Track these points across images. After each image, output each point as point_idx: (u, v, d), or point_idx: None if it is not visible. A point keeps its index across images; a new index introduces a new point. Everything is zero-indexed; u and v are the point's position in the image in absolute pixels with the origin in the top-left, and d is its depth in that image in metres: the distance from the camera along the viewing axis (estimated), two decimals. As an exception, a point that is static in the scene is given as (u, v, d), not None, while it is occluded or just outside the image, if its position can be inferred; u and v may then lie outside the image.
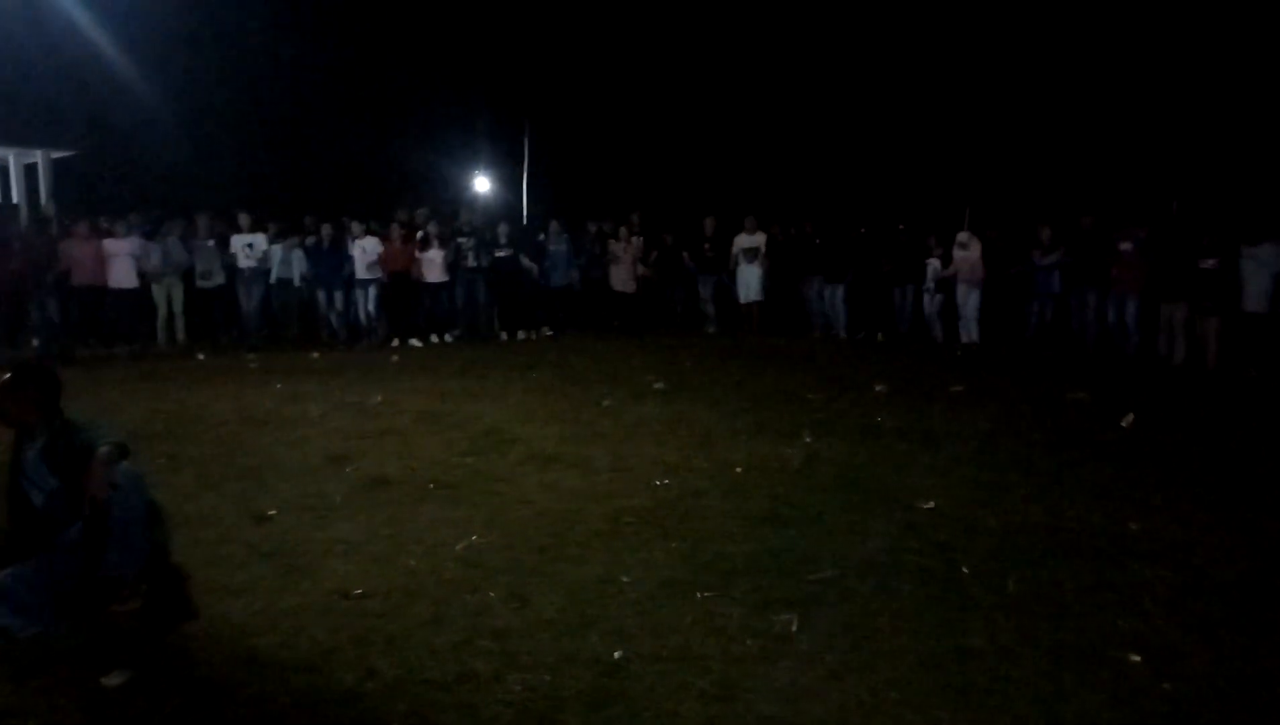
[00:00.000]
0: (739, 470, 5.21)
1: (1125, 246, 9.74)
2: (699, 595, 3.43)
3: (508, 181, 23.86)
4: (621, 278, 12.36)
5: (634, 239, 12.55)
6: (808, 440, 5.96)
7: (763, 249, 12.26)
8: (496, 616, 3.24)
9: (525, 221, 14.02)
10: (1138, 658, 2.91)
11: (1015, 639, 3.06)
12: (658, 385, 7.99)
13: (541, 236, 12.29)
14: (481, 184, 24.17)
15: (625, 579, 3.59)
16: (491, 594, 3.43)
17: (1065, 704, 2.66)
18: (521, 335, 11.87)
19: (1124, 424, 6.38)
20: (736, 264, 12.41)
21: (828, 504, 4.57)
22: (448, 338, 11.47)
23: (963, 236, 10.97)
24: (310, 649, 3.00)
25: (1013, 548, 3.93)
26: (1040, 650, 2.98)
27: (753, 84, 20.67)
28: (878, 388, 7.91)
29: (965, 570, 3.68)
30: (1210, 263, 8.96)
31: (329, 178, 19.49)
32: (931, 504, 4.56)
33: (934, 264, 11.25)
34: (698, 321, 12.94)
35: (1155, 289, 9.46)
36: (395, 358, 9.99)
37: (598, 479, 5.05)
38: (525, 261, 11.92)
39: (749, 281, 12.32)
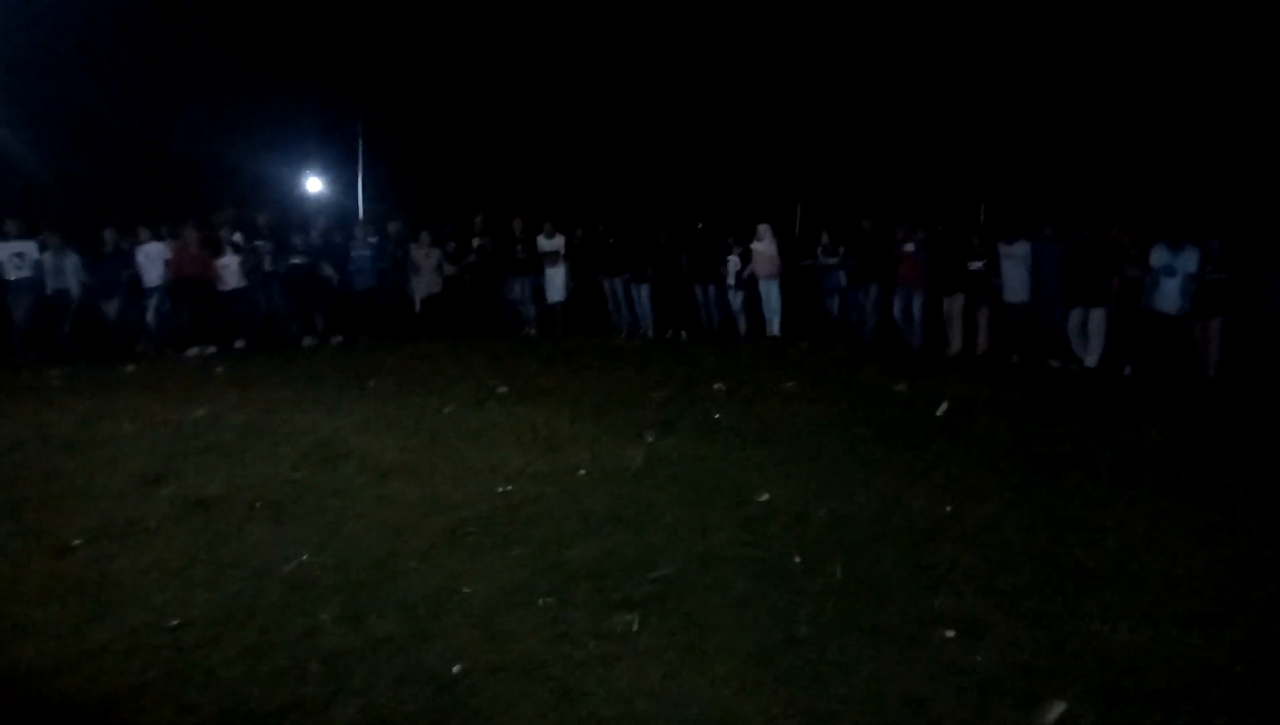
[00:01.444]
0: (582, 473, 5.22)
1: (908, 247, 10.63)
2: (541, 602, 3.41)
3: (342, 182, 22.97)
4: (424, 282, 12.10)
5: (449, 244, 12.36)
6: (650, 440, 6.05)
7: (562, 251, 12.45)
8: (328, 639, 3.11)
9: (360, 223, 13.36)
10: (952, 633, 3.12)
11: (841, 624, 3.22)
12: (500, 389, 7.89)
13: (343, 240, 11.89)
14: (313, 184, 23.16)
15: (465, 590, 3.52)
16: (323, 615, 3.29)
17: (888, 684, 2.82)
18: (308, 341, 11.38)
19: (939, 413, 6.84)
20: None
21: (669, 502, 4.65)
22: (237, 344, 10.93)
23: (761, 230, 11.53)
24: (118, 688, 2.78)
25: (840, 536, 4.13)
26: (864, 633, 3.14)
27: (561, 87, 20.55)
28: (716, 386, 8.12)
29: (797, 560, 3.83)
30: (978, 264, 10.05)
31: (141, 179, 18.08)
32: (766, 497, 4.72)
33: (734, 261, 11.76)
34: (520, 324, 12.78)
35: (936, 285, 10.48)
36: (220, 369, 9.41)
37: (438, 488, 4.94)
38: (325, 267, 11.48)
39: (553, 283, 12.49)
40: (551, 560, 3.83)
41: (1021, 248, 9.81)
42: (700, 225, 12.40)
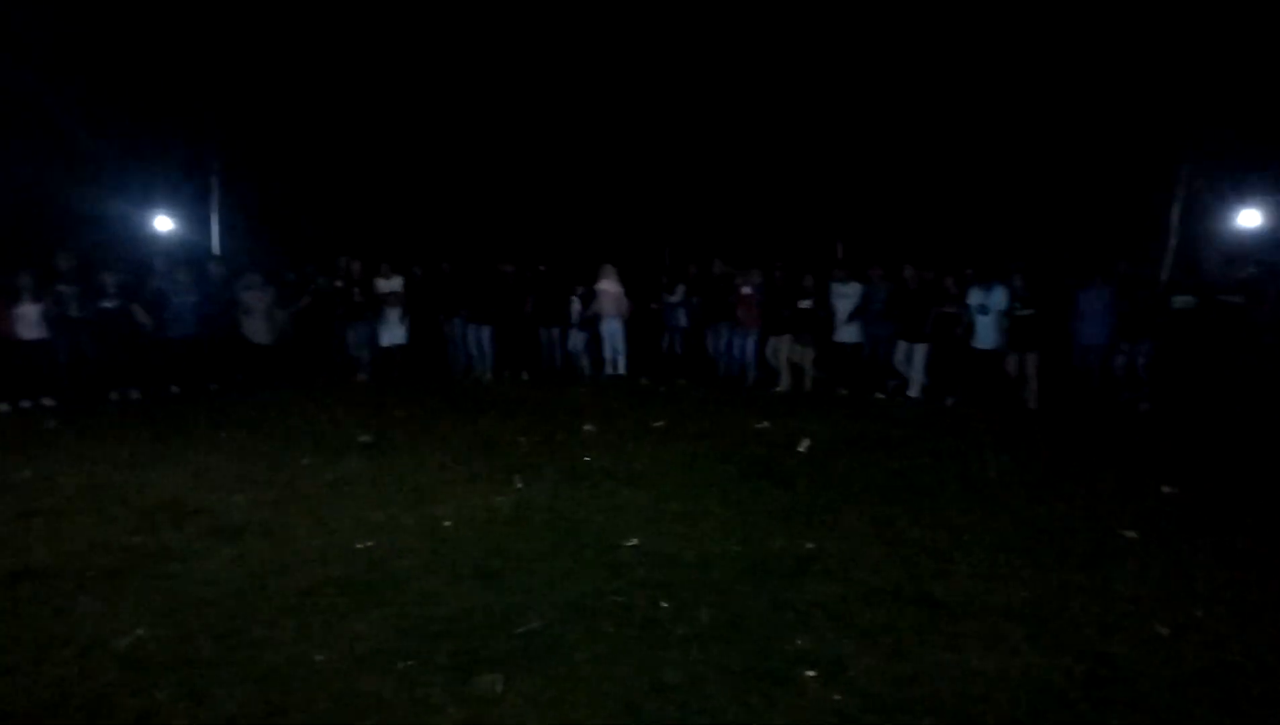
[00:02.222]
0: (448, 524, 5.09)
1: (745, 290, 11.15)
2: (400, 665, 3.28)
3: (195, 222, 21.83)
4: (256, 328, 11.26)
5: (279, 287, 11.64)
6: (519, 486, 5.96)
7: (400, 292, 11.98)
8: (164, 721, 2.88)
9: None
10: (812, 673, 3.18)
11: (707, 668, 3.23)
12: (363, 438, 7.63)
13: (160, 284, 10.80)
14: (163, 223, 21.93)
15: (319, 657, 3.35)
16: (159, 695, 3.05)
17: (754, 723, 2.84)
18: (115, 396, 10.23)
19: (801, 449, 7.04)
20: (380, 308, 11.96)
21: (537, 551, 4.58)
22: (45, 402, 9.99)
23: (605, 270, 11.85)
24: (-86, 796, 2.49)
25: (707, 578, 4.16)
26: (730, 677, 3.17)
27: (407, 125, 20.15)
28: (587, 427, 8.12)
29: (664, 605, 3.84)
30: (807, 302, 10.62)
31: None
32: (635, 542, 4.72)
33: (577, 302, 12.01)
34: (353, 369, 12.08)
35: (768, 325, 11.03)
36: (52, 423, 8.71)
37: (293, 547, 4.70)
38: (138, 312, 10.48)
39: (389, 325, 11.90)
40: (413, 620, 3.70)
41: (853, 288, 10.52)
42: (542, 267, 12.47)
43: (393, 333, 11.90)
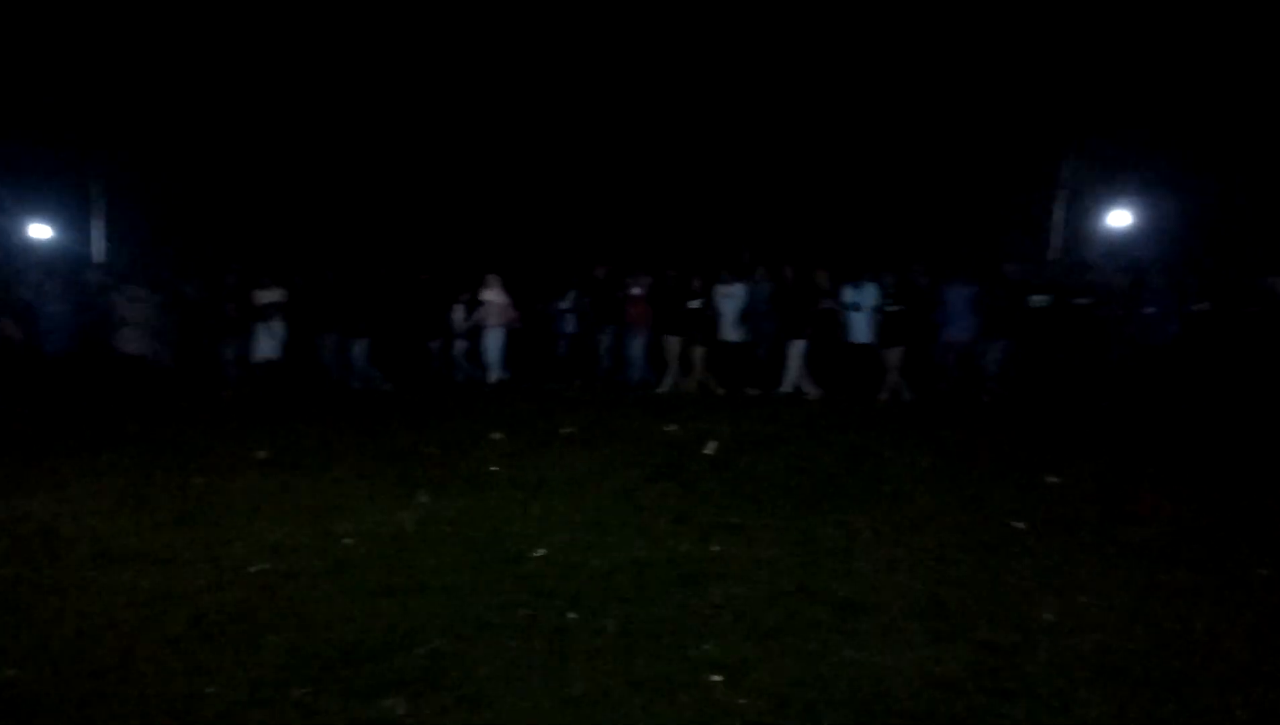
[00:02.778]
0: (349, 542, 4.94)
1: (635, 291, 11.47)
2: (296, 693, 3.17)
3: (76, 229, 20.67)
4: (132, 338, 10.64)
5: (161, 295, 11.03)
6: (424, 500, 5.84)
7: (280, 302, 11.41)
8: (37, 769, 2.71)
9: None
10: (718, 677, 3.21)
11: (614, 679, 3.22)
12: (260, 454, 7.35)
13: (25, 294, 10.19)
14: (39, 231, 20.70)
15: (209, 690, 3.20)
16: (31, 741, 2.87)
17: (659, 736, 2.85)
18: None
19: (707, 451, 7.12)
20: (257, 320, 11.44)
21: (442, 566, 4.49)
22: None
23: (490, 280, 11.93)
24: None
25: (614, 586, 4.15)
26: (636, 686, 3.16)
27: (287, 131, 19.36)
28: (494, 436, 8.02)
29: (571, 616, 3.81)
30: (696, 303, 10.97)
31: None
32: (543, 552, 4.68)
33: (462, 310, 12.08)
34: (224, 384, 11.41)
35: (658, 325, 11.37)
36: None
37: (182, 574, 4.48)
38: (6, 325, 9.84)
39: (265, 338, 11.31)
40: (310, 645, 3.57)
41: (738, 289, 10.91)
42: (424, 276, 12.40)
43: (267, 346, 11.30)
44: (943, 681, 3.15)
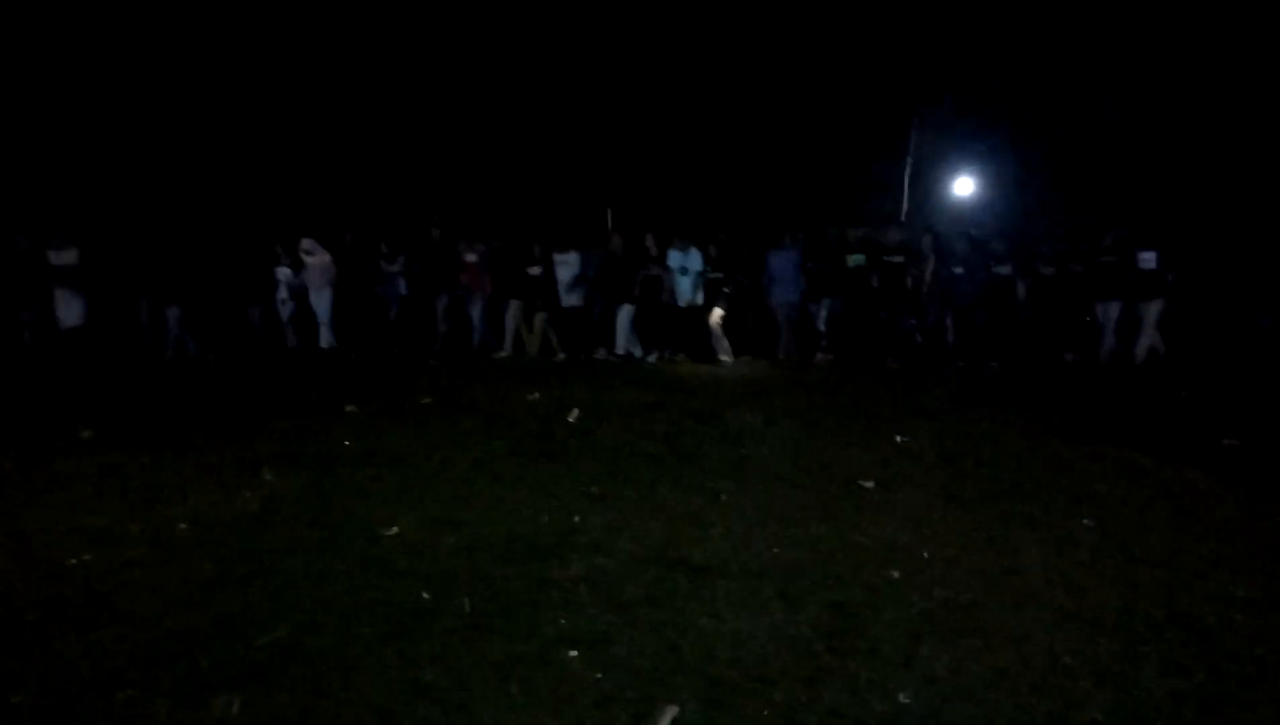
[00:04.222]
0: (183, 527, 4.62)
1: (470, 257, 11.47)
2: (120, 695, 2.93)
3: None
4: None
5: None
6: (268, 478, 5.53)
7: (76, 265, 10.61)
8: None
9: None
10: (574, 653, 3.17)
11: (469, 660, 3.13)
12: (84, 434, 6.79)
13: None
14: None
15: (16, 699, 2.92)
16: None
17: (514, 716, 2.78)
18: None
19: (570, 419, 7.06)
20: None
21: (286, 550, 4.25)
22: None
23: (307, 244, 11.64)
24: None
25: (470, 563, 4.04)
26: (492, 666, 3.08)
27: (78, 70, 17.62)
28: (348, 408, 7.69)
29: (425, 596, 3.68)
30: (536, 270, 11.12)
31: None
32: (395, 530, 4.51)
33: (285, 272, 11.70)
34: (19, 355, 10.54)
35: (497, 291, 11.44)
36: None
37: (-10, 569, 4.08)
38: None
39: (67, 305, 10.52)
40: (137, 642, 3.31)
41: (572, 257, 11.12)
42: (244, 239, 11.99)
43: (68, 313, 10.41)
44: (793, 644, 3.22)
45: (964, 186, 16.72)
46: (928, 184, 17.28)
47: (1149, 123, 15.45)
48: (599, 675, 3.02)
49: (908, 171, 17.30)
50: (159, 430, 6.96)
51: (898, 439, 6.38)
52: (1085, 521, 4.54)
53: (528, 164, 18.40)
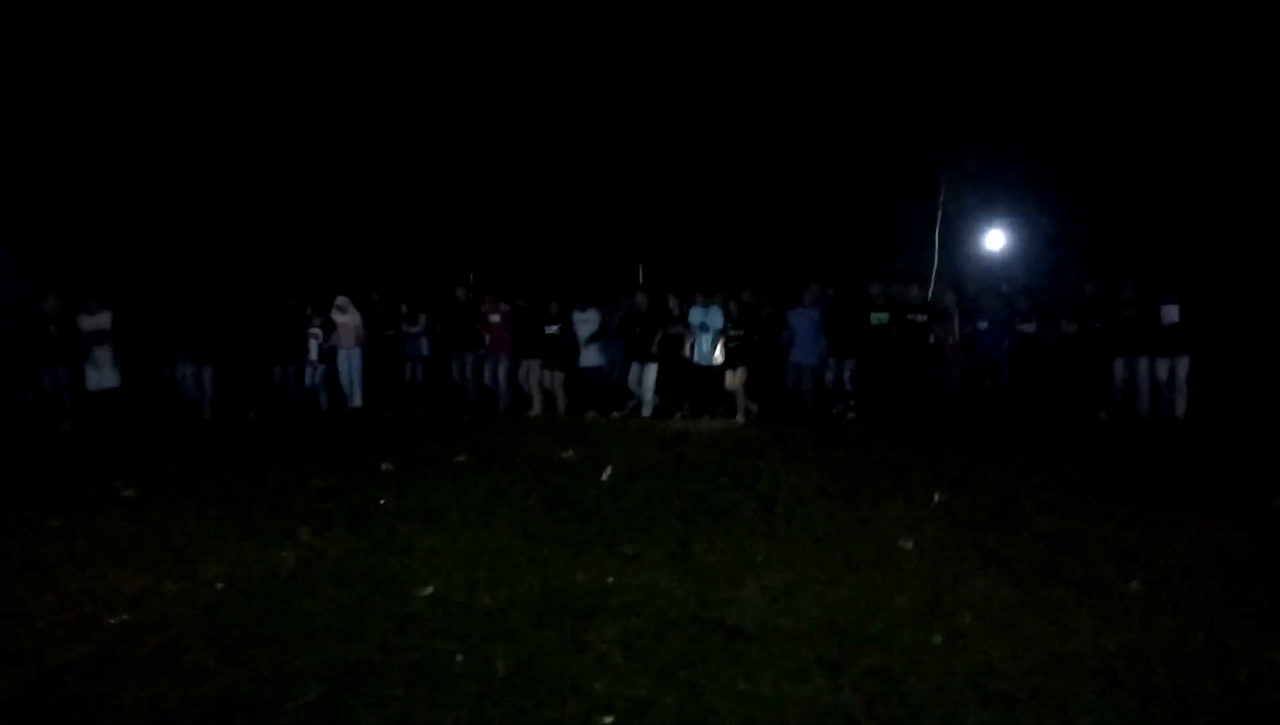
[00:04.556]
0: (220, 587, 4.64)
1: (494, 318, 11.59)
2: (155, 759, 2.92)
3: None
4: None
5: None
6: (304, 537, 5.56)
7: (108, 329, 10.85)
8: None
9: None
10: (610, 719, 3.11)
11: (504, 724, 3.09)
12: (126, 493, 6.88)
13: None
14: None
15: (54, 760, 2.93)
16: None
17: (548, 785, 2.73)
18: None
19: (604, 478, 7.04)
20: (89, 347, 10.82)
21: (321, 610, 4.26)
22: None
23: (341, 301, 11.85)
24: None
25: (504, 624, 4.01)
26: (525, 732, 3.04)
27: (107, 137, 17.77)
28: (384, 466, 7.74)
29: (459, 658, 3.65)
30: (554, 329, 11.22)
31: None
32: (430, 590, 4.50)
33: (316, 333, 11.86)
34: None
35: (517, 350, 11.55)
36: None
37: (33, 626, 4.11)
38: None
39: (99, 366, 10.73)
40: (172, 701, 3.31)
41: (592, 314, 11.15)
42: (281, 302, 12.19)
43: (102, 376, 10.65)
44: (834, 713, 3.14)
45: (995, 240, 16.65)
46: (959, 238, 17.24)
47: (1178, 173, 15.37)
48: (635, 742, 2.97)
49: (938, 226, 17.29)
50: (198, 488, 7.05)
51: (935, 498, 6.28)
52: (1133, 584, 4.41)
53: (557, 220, 18.63)
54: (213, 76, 17.77)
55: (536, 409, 11.41)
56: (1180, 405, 9.99)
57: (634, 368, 10.98)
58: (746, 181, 18.09)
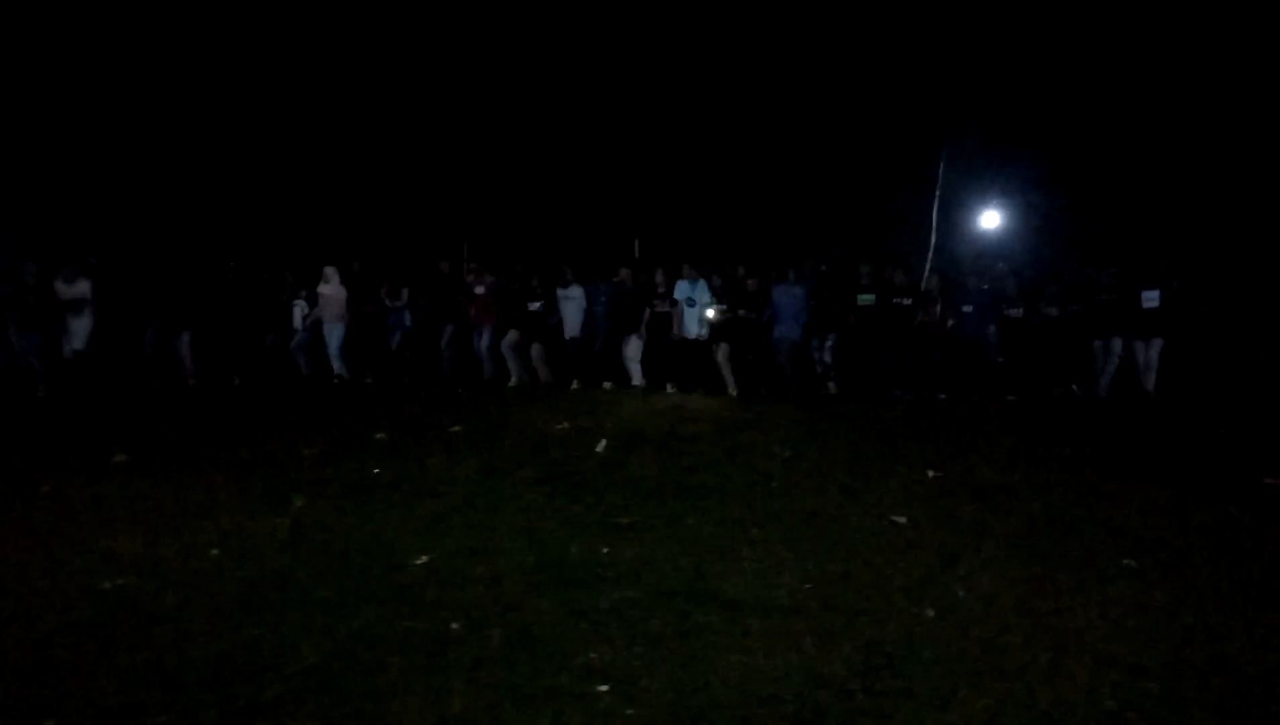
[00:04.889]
0: (214, 553, 4.64)
1: (479, 289, 11.62)
2: (151, 721, 2.93)
3: None
4: None
5: None
6: (298, 504, 5.55)
7: (88, 297, 10.74)
8: None
9: None
10: (605, 687, 3.13)
11: (498, 693, 3.10)
12: (118, 457, 6.86)
13: None
14: None
15: (51, 722, 2.93)
16: None
17: (543, 752, 2.75)
18: None
19: (599, 450, 7.04)
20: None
21: (315, 577, 4.26)
22: None
23: (328, 271, 11.81)
24: None
25: (499, 594, 4.02)
26: (520, 700, 3.05)
27: (99, 110, 17.34)
28: (378, 435, 7.73)
29: (454, 627, 3.67)
30: (536, 305, 11.26)
31: None
32: (425, 559, 4.51)
33: (301, 304, 11.93)
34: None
35: (502, 322, 11.56)
36: None
37: (27, 590, 4.11)
38: None
39: (75, 332, 10.66)
40: (169, 667, 3.32)
41: (576, 291, 11.16)
42: (266, 273, 12.17)
43: (76, 338, 10.65)
44: (828, 685, 3.16)
45: (991, 220, 16.63)
46: (954, 218, 17.19)
47: (1170, 157, 15.35)
48: (630, 711, 2.98)
49: (935, 205, 17.23)
50: (190, 455, 7.03)
51: (929, 473, 6.30)
52: (1126, 560, 4.44)
53: (548, 192, 18.49)
54: (198, 49, 17.50)
55: (515, 380, 11.44)
56: (1150, 380, 10.15)
57: (625, 340, 11.09)
58: (743, 160, 17.98)
